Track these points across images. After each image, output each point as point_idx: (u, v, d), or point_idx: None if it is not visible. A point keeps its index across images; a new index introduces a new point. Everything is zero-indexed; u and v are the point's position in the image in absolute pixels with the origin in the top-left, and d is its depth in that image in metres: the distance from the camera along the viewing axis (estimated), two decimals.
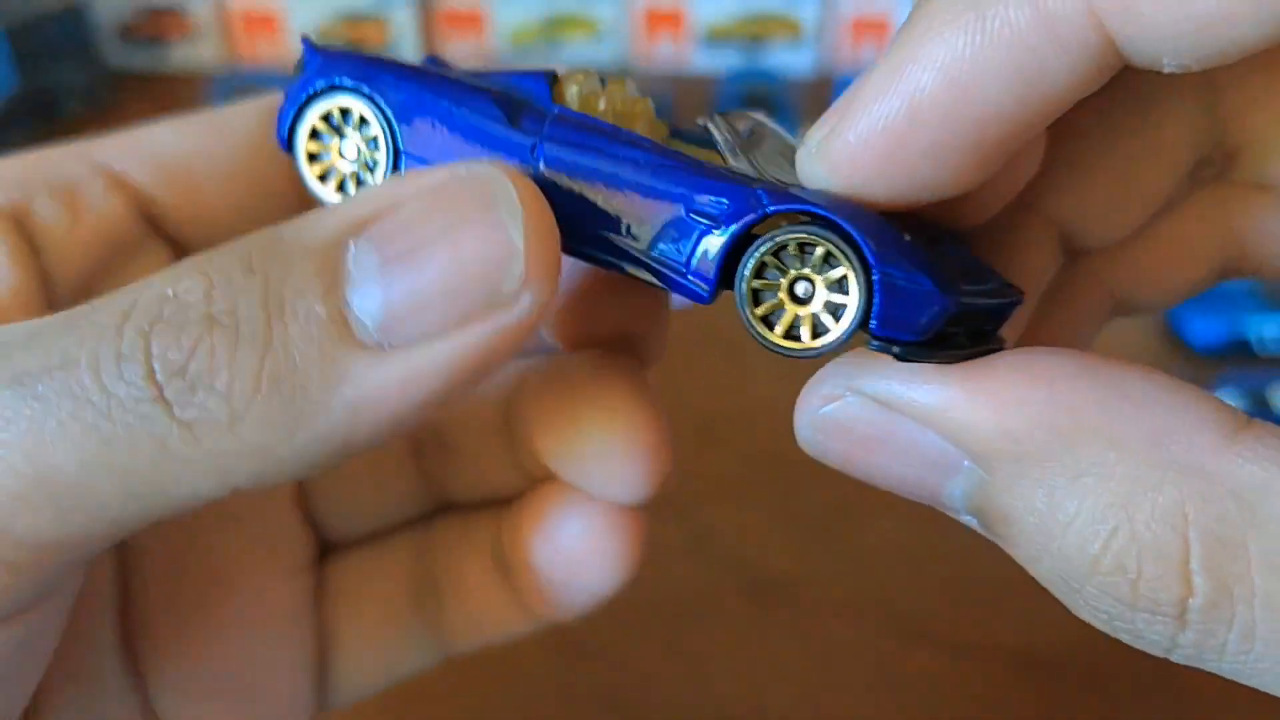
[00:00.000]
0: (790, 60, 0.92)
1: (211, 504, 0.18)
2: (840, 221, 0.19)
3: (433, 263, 0.18)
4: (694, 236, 0.20)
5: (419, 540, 0.29)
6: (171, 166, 0.25)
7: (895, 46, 0.19)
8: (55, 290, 0.24)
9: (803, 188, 0.20)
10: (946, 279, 0.19)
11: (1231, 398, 0.55)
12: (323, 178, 0.23)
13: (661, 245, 0.20)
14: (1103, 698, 0.43)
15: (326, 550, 0.29)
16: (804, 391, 0.20)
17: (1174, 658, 0.17)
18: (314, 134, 0.22)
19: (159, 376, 0.17)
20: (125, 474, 0.17)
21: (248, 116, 0.26)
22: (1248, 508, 0.16)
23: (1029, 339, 0.26)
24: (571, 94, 0.22)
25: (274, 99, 0.25)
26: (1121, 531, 0.16)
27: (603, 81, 0.23)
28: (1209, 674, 0.46)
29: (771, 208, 0.19)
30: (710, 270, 0.20)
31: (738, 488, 0.51)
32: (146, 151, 0.25)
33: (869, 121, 0.19)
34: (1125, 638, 0.18)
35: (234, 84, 0.86)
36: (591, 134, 0.21)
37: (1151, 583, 0.16)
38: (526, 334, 0.19)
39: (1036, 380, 0.17)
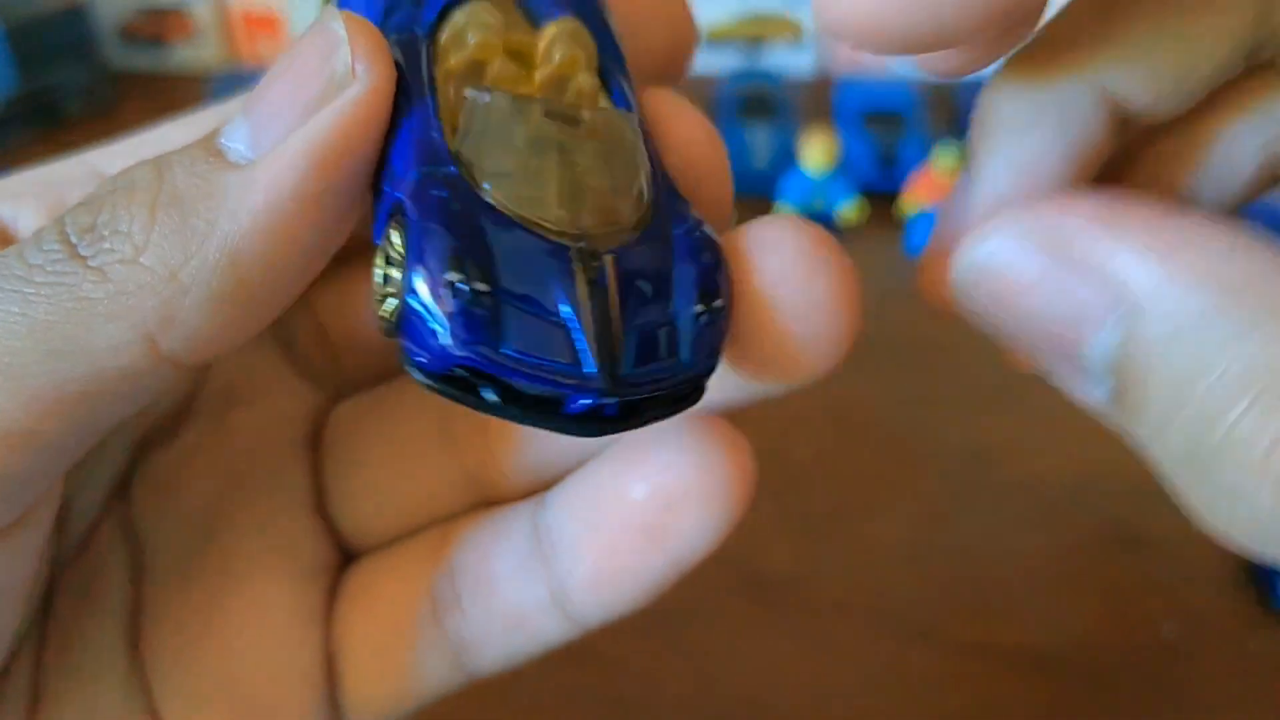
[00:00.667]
0: (790, 61, 0.92)
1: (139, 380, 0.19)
2: (406, 203, 0.18)
3: (278, 80, 0.20)
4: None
5: (445, 537, 0.28)
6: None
7: None
8: None
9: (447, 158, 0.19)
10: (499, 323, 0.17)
11: None
12: None
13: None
14: (1103, 698, 0.43)
15: (349, 561, 0.28)
16: (965, 241, 0.20)
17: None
18: None
19: (72, 238, 0.19)
20: (44, 330, 0.19)
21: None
22: None
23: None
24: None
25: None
26: (1267, 394, 0.16)
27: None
28: (1209, 673, 0.46)
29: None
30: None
31: None
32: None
33: None
34: (1238, 517, 0.17)
35: (234, 84, 0.86)
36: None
37: None
38: (374, 112, 0.20)
39: (1214, 237, 0.17)
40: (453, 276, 0.17)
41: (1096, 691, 0.43)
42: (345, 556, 0.28)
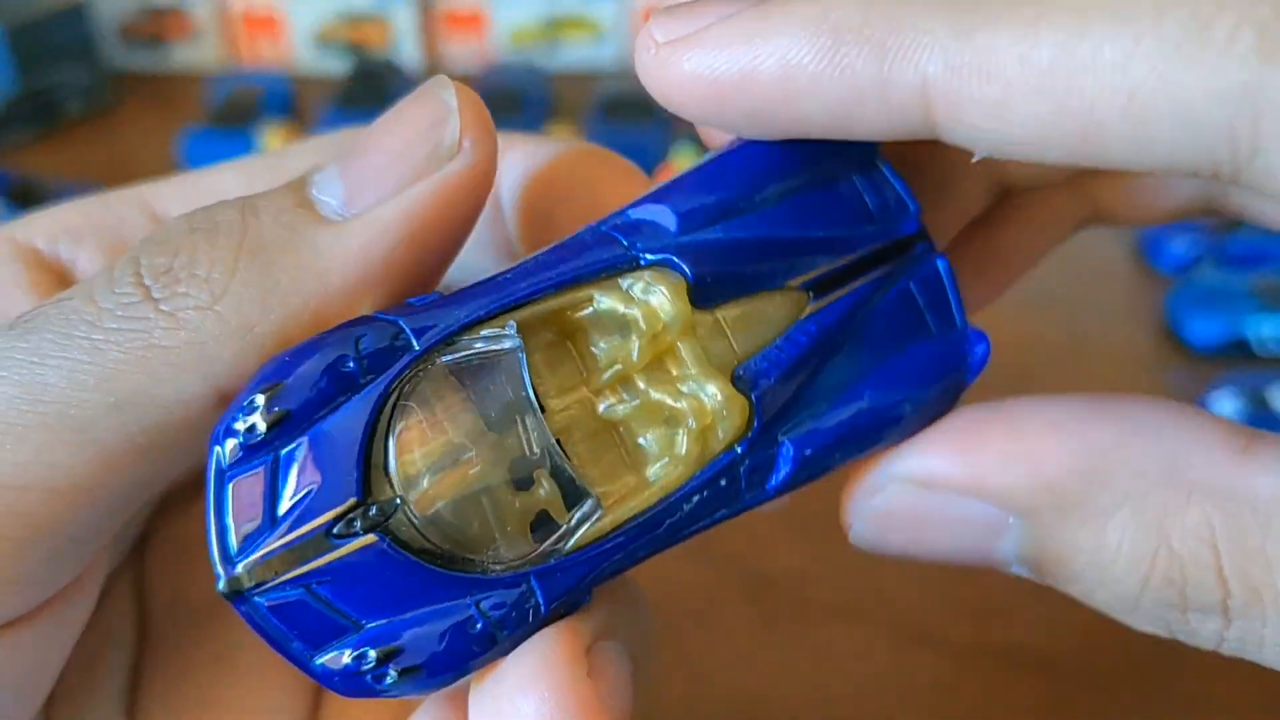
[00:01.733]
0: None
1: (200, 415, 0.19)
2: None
3: (381, 141, 0.20)
4: None
5: None
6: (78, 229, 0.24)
7: (764, 6, 0.19)
8: None
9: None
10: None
11: (1231, 398, 0.55)
12: None
13: None
14: (1104, 699, 0.43)
15: None
16: (847, 493, 0.22)
17: (1224, 650, 0.19)
18: None
19: (146, 280, 0.19)
20: (113, 379, 0.18)
21: (310, 156, 0.25)
22: (1263, 517, 0.18)
23: (980, 253, 0.26)
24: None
25: (334, 139, 0.25)
26: (1162, 551, 0.18)
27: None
28: (1208, 675, 0.46)
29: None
30: None
31: None
32: (209, 199, 0.23)
33: (704, 62, 0.19)
34: (1183, 638, 0.19)
35: (234, 84, 0.86)
36: None
37: (1196, 589, 0.18)
38: (476, 189, 0.20)
39: (1061, 431, 0.19)
40: None
41: (1096, 691, 0.43)
42: None
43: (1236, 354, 0.60)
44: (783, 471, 0.20)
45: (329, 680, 0.18)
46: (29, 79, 0.82)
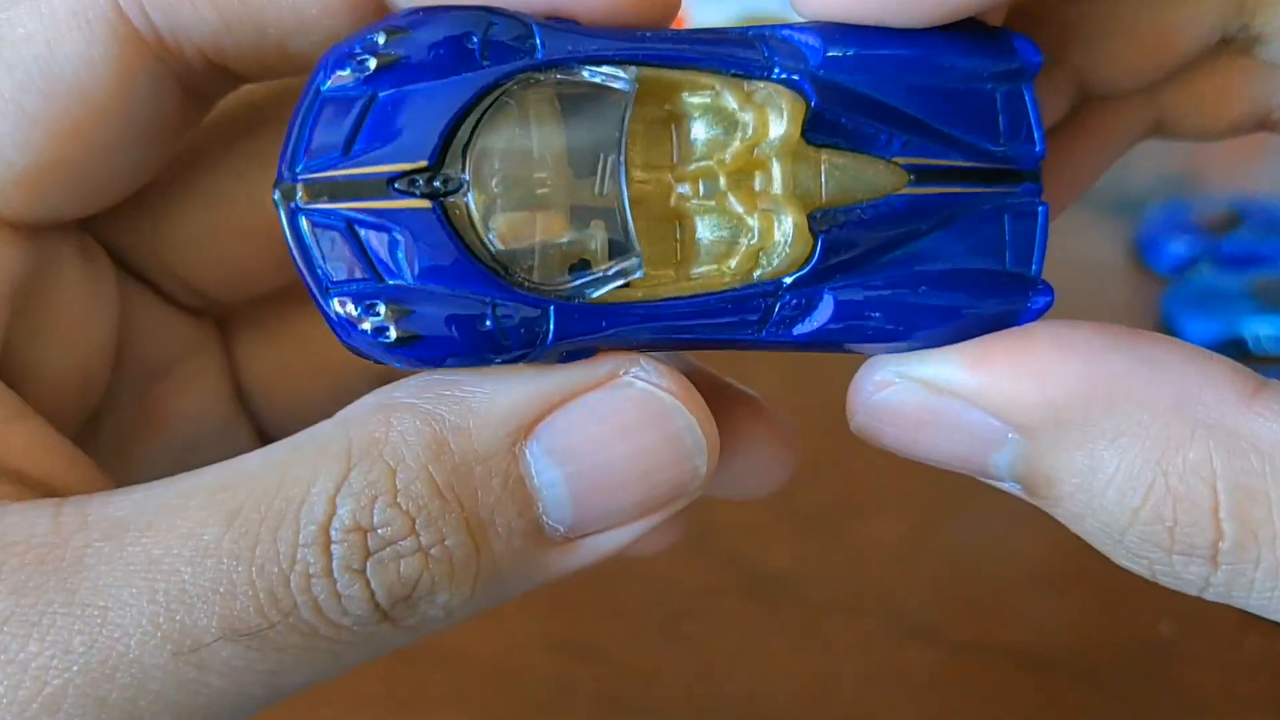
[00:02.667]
0: None
1: None
2: None
3: (624, 485, 0.20)
4: None
5: None
6: (26, 173, 0.21)
7: None
8: None
9: None
10: None
11: None
12: None
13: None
14: (1101, 697, 0.43)
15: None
16: (855, 383, 0.22)
17: (1207, 595, 0.19)
18: None
19: (383, 605, 0.19)
20: (349, 666, 0.20)
21: (65, 51, 0.20)
22: (1267, 460, 0.18)
23: (1053, 162, 0.26)
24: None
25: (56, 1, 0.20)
26: (1157, 485, 0.18)
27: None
28: (1206, 672, 0.47)
29: None
30: None
31: None
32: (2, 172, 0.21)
33: None
34: (1164, 580, 0.20)
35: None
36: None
37: (1186, 529, 0.18)
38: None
39: (1072, 353, 0.19)
40: None
41: (1095, 691, 0.43)
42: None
43: (1233, 354, 0.60)
44: (814, 323, 0.20)
45: (327, 309, 0.19)
46: None
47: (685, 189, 0.20)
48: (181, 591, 0.18)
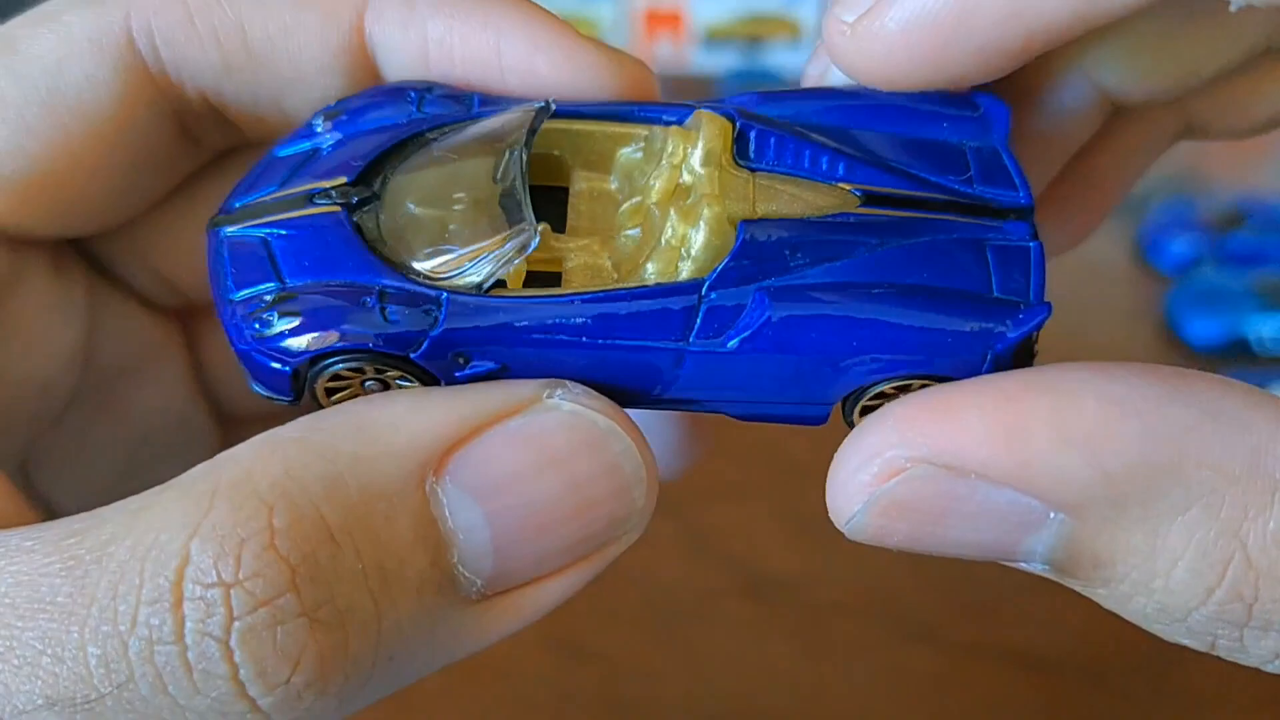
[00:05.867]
0: (789, 60, 0.92)
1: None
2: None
3: (553, 526, 0.17)
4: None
5: None
6: (18, 181, 0.21)
7: None
8: None
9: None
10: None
11: None
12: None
13: None
14: (1103, 697, 0.43)
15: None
16: (839, 474, 0.18)
17: (1270, 669, 0.17)
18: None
19: (253, 691, 0.15)
20: None
21: (100, 84, 0.21)
22: None
23: (1081, 170, 0.25)
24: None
25: (90, 26, 0.21)
26: (1237, 560, 0.16)
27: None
28: (1209, 674, 0.46)
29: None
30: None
31: (737, 487, 0.51)
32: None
33: (913, 11, 0.17)
34: (1225, 654, 0.17)
35: None
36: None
37: (1267, 605, 0.16)
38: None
39: (1126, 412, 0.16)
40: None
41: (1096, 691, 0.43)
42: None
43: (1237, 353, 0.60)
44: (747, 329, 0.18)
45: (226, 317, 0.19)
46: None
47: (626, 230, 0.20)
48: (9, 648, 0.15)
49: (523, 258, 0.19)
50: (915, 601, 0.47)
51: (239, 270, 0.19)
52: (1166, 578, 0.16)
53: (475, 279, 0.18)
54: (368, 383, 0.19)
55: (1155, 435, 0.16)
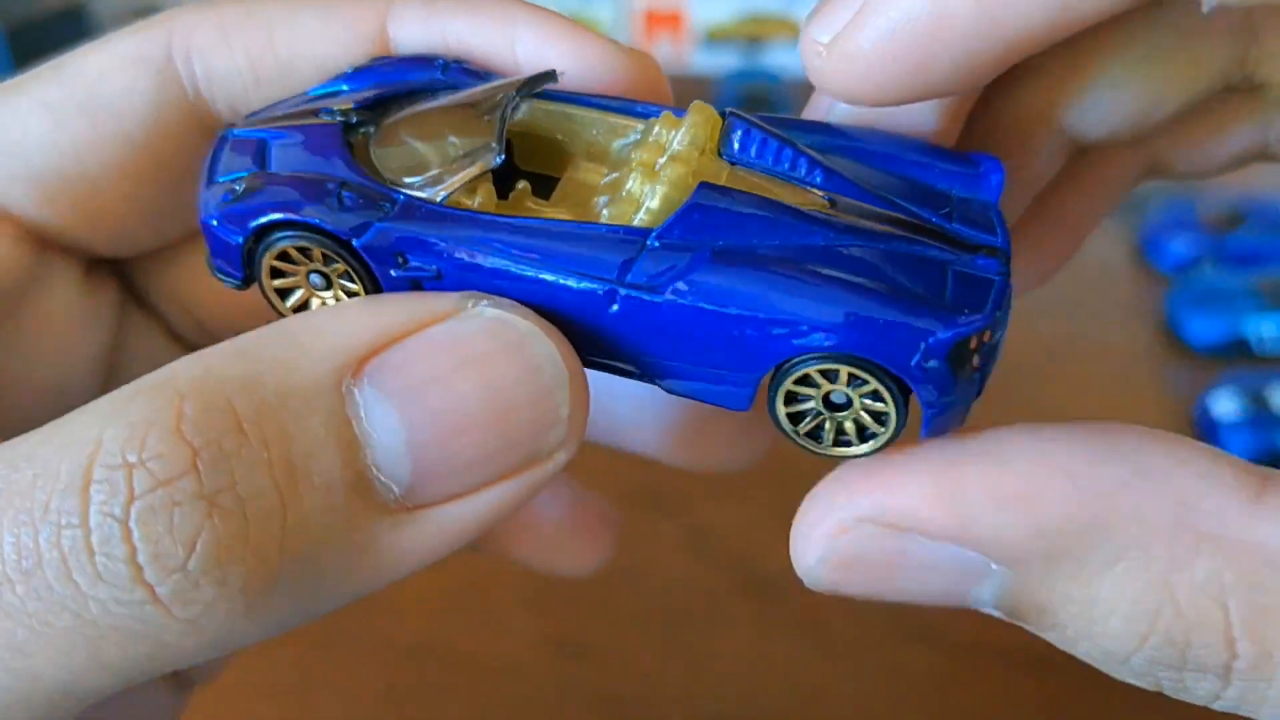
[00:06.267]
0: (789, 60, 0.92)
1: None
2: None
3: (471, 428, 0.17)
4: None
5: None
6: (58, 184, 0.22)
7: None
8: None
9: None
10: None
11: (1230, 398, 0.55)
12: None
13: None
14: (1103, 697, 0.43)
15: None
16: (799, 529, 0.19)
17: (1216, 707, 0.18)
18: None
19: (149, 576, 0.15)
20: (116, 668, 0.16)
21: (136, 93, 0.22)
22: (1278, 571, 0.16)
23: (1046, 209, 0.25)
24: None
25: (134, 46, 0.22)
26: (1165, 609, 0.17)
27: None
28: None
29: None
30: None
31: (737, 486, 0.51)
32: (22, 169, 0.22)
33: (885, 27, 0.17)
34: (1171, 693, 0.18)
35: None
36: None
37: (1199, 651, 0.17)
38: (550, 481, 0.18)
39: (1055, 472, 0.17)
40: None
41: (1096, 691, 0.43)
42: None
43: (1236, 353, 0.60)
44: (677, 280, 0.18)
45: (201, 197, 0.20)
46: None
47: (596, 201, 0.21)
48: None
49: (482, 173, 0.19)
50: None
51: (230, 160, 0.20)
52: (1104, 624, 0.17)
53: (434, 189, 0.19)
54: (313, 276, 0.19)
55: (1084, 493, 0.17)
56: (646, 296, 0.18)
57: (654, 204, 0.19)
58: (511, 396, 0.17)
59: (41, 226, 0.22)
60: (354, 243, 0.18)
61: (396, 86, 0.22)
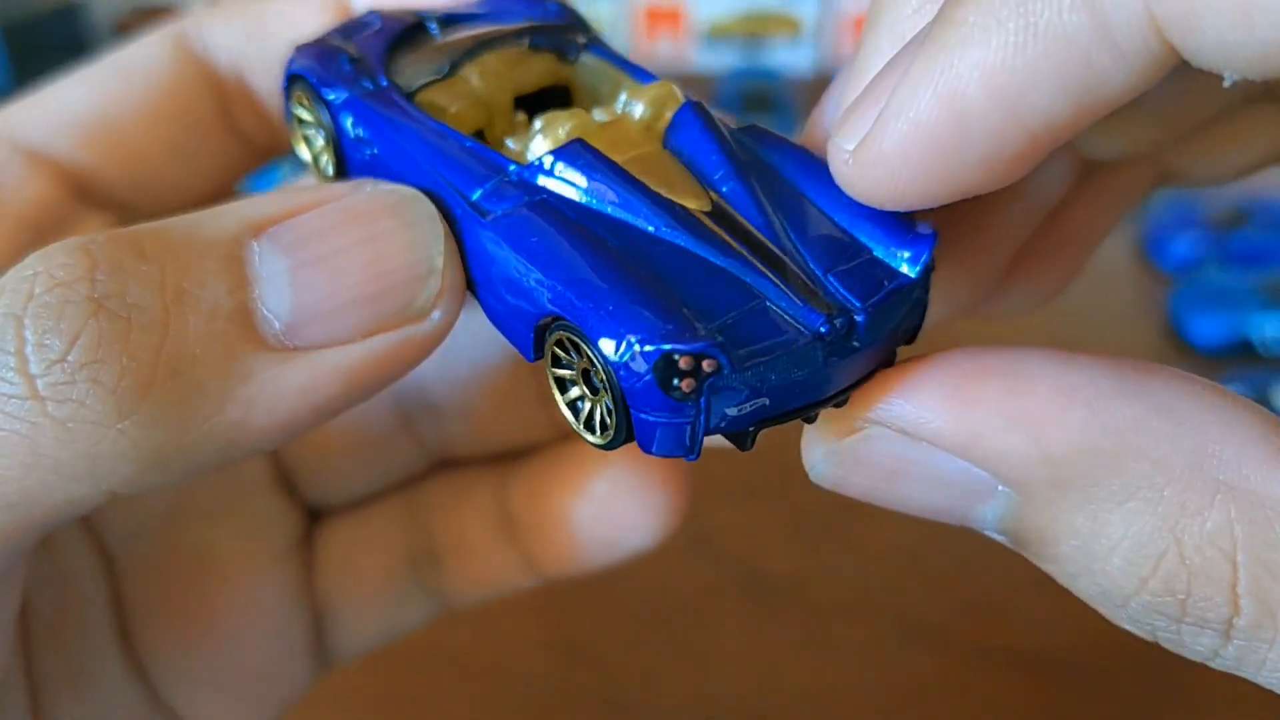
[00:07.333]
0: (790, 58, 0.92)
1: (164, 496, 0.18)
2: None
3: (351, 270, 0.18)
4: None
5: (413, 500, 0.30)
6: (93, 128, 0.25)
7: (925, 49, 0.17)
8: None
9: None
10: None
11: None
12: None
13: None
14: (1105, 698, 0.43)
15: (318, 517, 0.29)
16: (812, 433, 0.19)
17: (1214, 665, 0.17)
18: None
19: (32, 367, 0.16)
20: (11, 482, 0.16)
21: (156, 56, 0.26)
22: None
23: (1057, 225, 0.25)
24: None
25: (154, 32, 0.27)
26: (1170, 555, 0.16)
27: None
28: (1211, 674, 0.46)
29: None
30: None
31: (738, 488, 0.50)
32: (64, 117, 0.25)
33: (904, 130, 0.17)
34: (1167, 645, 0.17)
35: None
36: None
37: (1200, 603, 0.16)
38: (431, 349, 0.19)
39: (1074, 400, 0.17)
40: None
41: (1096, 691, 0.43)
42: (312, 514, 0.30)
43: (1240, 354, 0.60)
44: (499, 210, 0.19)
45: (290, 71, 0.23)
46: (24, 78, 0.82)
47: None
48: None
49: (438, 78, 0.23)
50: (916, 602, 0.46)
51: (346, 29, 0.24)
52: (1105, 562, 0.17)
53: (407, 82, 0.22)
54: (306, 130, 0.23)
55: (1099, 425, 0.16)
56: (476, 217, 0.19)
57: (538, 146, 0.20)
58: (388, 246, 0.18)
59: (79, 172, 0.24)
60: (330, 100, 0.22)
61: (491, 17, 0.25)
